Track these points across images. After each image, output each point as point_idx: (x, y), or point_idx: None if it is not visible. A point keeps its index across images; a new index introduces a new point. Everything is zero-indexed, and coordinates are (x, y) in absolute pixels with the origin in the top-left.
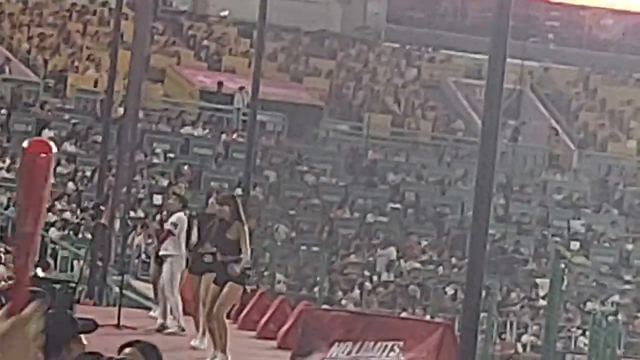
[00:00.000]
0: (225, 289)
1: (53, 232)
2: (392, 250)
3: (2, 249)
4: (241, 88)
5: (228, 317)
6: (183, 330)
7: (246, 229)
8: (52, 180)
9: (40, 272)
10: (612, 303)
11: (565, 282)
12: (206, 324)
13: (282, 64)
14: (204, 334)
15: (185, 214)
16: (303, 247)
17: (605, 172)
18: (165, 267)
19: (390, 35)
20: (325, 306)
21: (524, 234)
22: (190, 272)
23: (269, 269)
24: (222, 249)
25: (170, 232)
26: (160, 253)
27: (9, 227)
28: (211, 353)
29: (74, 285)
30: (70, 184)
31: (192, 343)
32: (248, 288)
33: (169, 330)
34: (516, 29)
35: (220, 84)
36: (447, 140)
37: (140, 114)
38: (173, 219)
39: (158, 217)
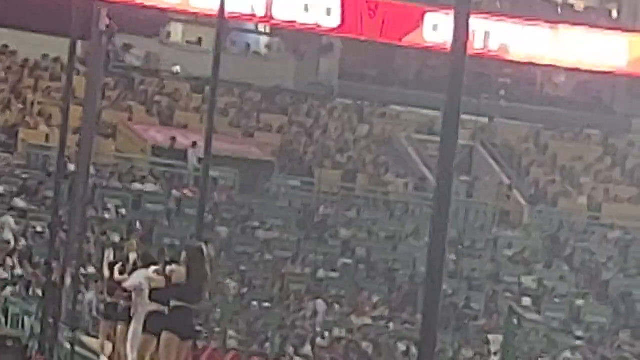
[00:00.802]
0: (162, 340)
1: (4, 289)
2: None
3: None
4: (194, 144)
5: None
6: None
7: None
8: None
9: None
10: (564, 359)
11: (516, 338)
12: None
13: (233, 120)
14: None
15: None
16: (254, 303)
17: (556, 228)
18: (133, 324)
19: (343, 91)
20: None
21: (475, 289)
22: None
23: (221, 324)
24: (177, 297)
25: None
26: (133, 312)
27: None
28: None
29: (25, 342)
30: (22, 240)
31: None
32: (199, 344)
33: None
34: (468, 85)
35: (173, 139)
36: (398, 196)
37: (92, 170)
38: (135, 280)
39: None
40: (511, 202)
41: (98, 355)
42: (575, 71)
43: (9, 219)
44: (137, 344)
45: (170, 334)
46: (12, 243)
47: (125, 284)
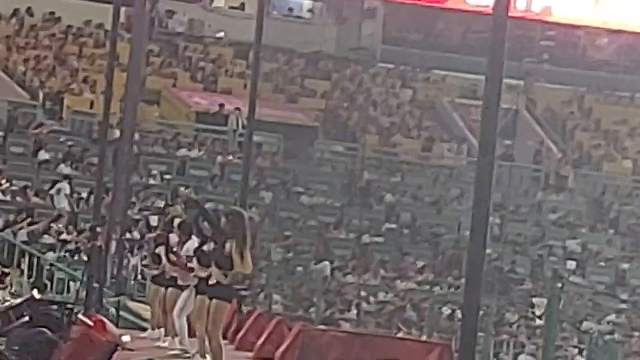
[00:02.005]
0: (212, 307)
1: (49, 254)
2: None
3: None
4: (237, 109)
5: (225, 337)
6: (187, 352)
7: (241, 245)
8: None
9: (36, 294)
10: (609, 322)
11: (561, 302)
12: (203, 344)
13: (277, 85)
14: (202, 355)
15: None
16: (299, 268)
17: (600, 192)
18: (184, 293)
19: (385, 56)
20: (322, 327)
21: (519, 253)
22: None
23: (265, 290)
24: (217, 264)
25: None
26: (180, 283)
27: (5, 249)
28: None
29: (70, 306)
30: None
31: None
32: (244, 308)
33: (174, 352)
34: (511, 49)
35: (221, 105)
36: (442, 160)
37: (136, 136)
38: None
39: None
40: (555, 166)
41: (144, 320)
42: (618, 33)
43: (65, 185)
44: (188, 311)
45: (219, 300)
46: (66, 209)
47: (190, 265)
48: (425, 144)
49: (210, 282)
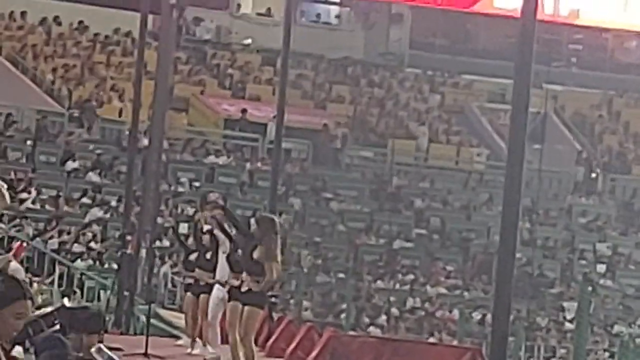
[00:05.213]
0: (244, 314)
1: (79, 263)
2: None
3: (28, 280)
4: (274, 117)
5: (256, 344)
6: (218, 358)
7: (271, 251)
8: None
9: (66, 302)
10: (639, 325)
11: (592, 305)
12: (236, 351)
13: (305, 91)
14: None
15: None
16: (329, 274)
17: (630, 195)
18: (211, 296)
19: (413, 61)
20: (352, 332)
21: (549, 257)
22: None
23: (295, 296)
24: (248, 270)
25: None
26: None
27: (35, 258)
28: None
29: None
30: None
31: None
32: (275, 315)
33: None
34: (539, 52)
35: (244, 111)
36: (471, 165)
37: (165, 144)
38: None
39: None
40: (585, 169)
41: (175, 328)
42: None
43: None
44: (218, 315)
45: (251, 307)
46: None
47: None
48: (454, 148)
49: (242, 289)
